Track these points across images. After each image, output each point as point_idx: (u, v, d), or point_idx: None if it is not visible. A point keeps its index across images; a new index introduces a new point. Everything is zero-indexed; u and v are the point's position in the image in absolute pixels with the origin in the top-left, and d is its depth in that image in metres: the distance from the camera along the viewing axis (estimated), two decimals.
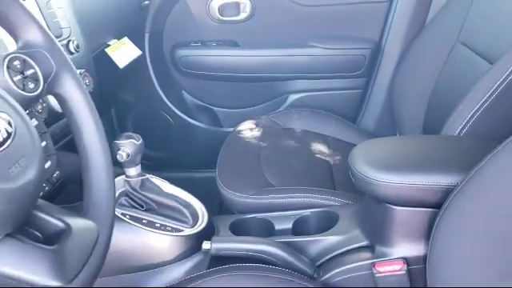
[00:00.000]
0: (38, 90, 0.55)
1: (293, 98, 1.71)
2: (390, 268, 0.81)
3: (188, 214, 0.93)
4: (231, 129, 1.52)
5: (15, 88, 0.52)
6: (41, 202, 0.53)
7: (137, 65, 1.45)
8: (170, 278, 0.87)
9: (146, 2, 1.56)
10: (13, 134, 0.46)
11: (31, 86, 0.54)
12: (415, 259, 0.82)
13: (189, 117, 1.74)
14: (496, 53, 1.05)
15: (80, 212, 0.56)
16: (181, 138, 1.74)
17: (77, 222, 0.53)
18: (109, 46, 1.27)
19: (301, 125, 1.47)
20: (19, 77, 0.53)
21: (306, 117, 1.53)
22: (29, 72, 0.55)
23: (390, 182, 0.78)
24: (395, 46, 1.59)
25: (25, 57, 0.55)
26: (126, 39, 1.37)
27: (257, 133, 1.40)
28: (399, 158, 0.84)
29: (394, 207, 0.80)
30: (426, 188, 0.77)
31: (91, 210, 0.56)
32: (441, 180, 0.76)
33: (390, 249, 0.83)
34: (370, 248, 0.86)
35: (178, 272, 0.88)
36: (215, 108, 1.81)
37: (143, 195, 0.93)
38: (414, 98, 1.38)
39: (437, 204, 0.76)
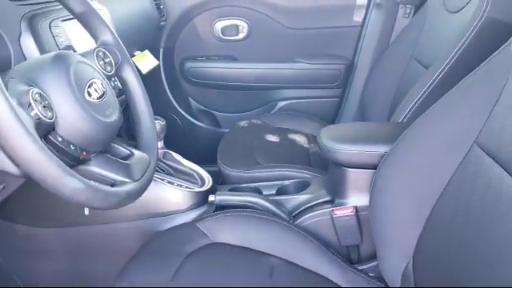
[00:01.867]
0: (112, 72, 0.86)
1: (281, 104, 1.98)
2: (344, 212, 1.10)
3: (198, 178, 1.24)
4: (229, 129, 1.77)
5: (100, 68, 0.83)
6: None
7: (152, 74, 1.70)
8: (183, 221, 1.15)
9: (162, 23, 1.83)
10: (105, 91, 0.77)
11: (108, 68, 0.86)
12: (363, 207, 1.10)
13: (193, 118, 2.00)
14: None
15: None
16: (186, 136, 1.99)
17: (136, 152, 0.84)
18: (134, 55, 1.57)
19: (287, 125, 1.75)
20: (102, 62, 0.85)
21: (291, 119, 1.81)
22: (107, 60, 0.86)
23: (344, 150, 1.07)
24: (365, 62, 1.86)
25: (104, 50, 0.86)
26: (146, 51, 1.66)
27: (251, 129, 1.69)
28: (351, 135, 1.14)
29: (348, 169, 1.10)
30: (368, 154, 1.06)
31: (143, 147, 0.87)
32: (378, 149, 1.04)
33: (345, 200, 1.12)
34: (331, 201, 1.16)
35: (189, 217, 1.16)
36: (215, 112, 2.07)
37: (164, 163, 1.24)
38: (380, 103, 1.62)
39: (376, 166, 1.02)
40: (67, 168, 0.60)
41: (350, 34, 1.88)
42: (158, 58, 1.80)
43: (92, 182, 0.65)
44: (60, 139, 0.67)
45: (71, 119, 0.68)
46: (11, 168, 0.64)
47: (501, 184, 0.70)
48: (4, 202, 1.02)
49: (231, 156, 1.48)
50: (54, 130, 0.67)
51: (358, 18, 1.85)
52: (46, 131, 0.65)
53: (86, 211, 0.91)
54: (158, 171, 1.23)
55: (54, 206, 1.14)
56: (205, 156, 1.83)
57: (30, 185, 0.89)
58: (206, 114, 2.07)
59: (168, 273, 0.93)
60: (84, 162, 0.72)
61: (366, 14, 1.84)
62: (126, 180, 0.76)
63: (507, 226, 0.67)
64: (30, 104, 0.62)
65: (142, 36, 1.66)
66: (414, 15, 1.73)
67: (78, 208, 0.96)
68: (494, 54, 0.86)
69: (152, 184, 1.14)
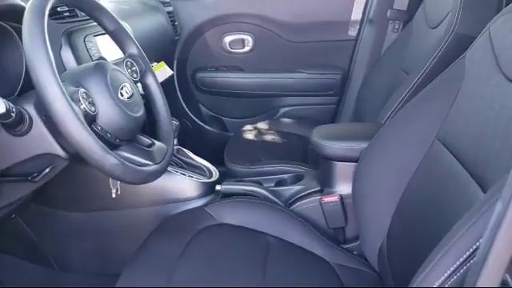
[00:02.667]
0: (138, 78, 1.06)
1: (283, 110, 2.15)
2: (331, 199, 1.27)
3: (206, 171, 1.42)
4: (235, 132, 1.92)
5: (129, 75, 1.03)
6: None
7: (167, 83, 1.89)
8: (193, 206, 1.33)
9: (177, 38, 2.01)
10: (133, 93, 0.97)
11: (135, 75, 1.05)
12: (347, 195, 1.26)
13: (203, 123, 2.17)
14: None
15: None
16: (196, 140, 2.15)
17: (157, 142, 1.03)
18: (152, 66, 1.77)
19: (288, 129, 1.91)
20: (130, 70, 1.04)
21: (292, 124, 1.97)
22: (133, 68, 1.06)
23: (331, 145, 1.25)
24: (359, 72, 2.00)
25: (131, 60, 1.06)
26: (162, 63, 1.85)
27: (254, 132, 1.86)
28: (338, 133, 1.33)
29: (335, 162, 1.27)
30: (352, 149, 1.23)
31: (162, 138, 1.07)
32: (359, 144, 1.21)
33: (332, 189, 1.29)
34: (320, 190, 1.33)
35: (199, 203, 1.33)
36: (223, 117, 2.24)
37: (178, 158, 1.42)
38: (372, 109, 1.71)
39: (358, 159, 1.19)
40: (108, 149, 0.80)
41: (346, 47, 2.04)
42: (172, 69, 1.99)
43: (124, 161, 0.84)
44: (100, 128, 0.86)
45: (108, 113, 0.88)
46: (60, 152, 0.85)
47: (452, 168, 0.87)
48: (44, 190, 1.20)
49: (237, 154, 1.66)
50: (95, 121, 0.86)
51: (352, 32, 2.01)
52: (90, 121, 0.84)
53: (113, 194, 1.10)
54: (172, 165, 1.42)
55: (85, 193, 1.33)
56: (213, 157, 1.99)
57: (66, 175, 1.08)
58: (214, 120, 2.24)
59: (180, 245, 1.10)
60: (117, 147, 0.91)
61: (359, 28, 1.99)
62: (149, 163, 0.95)
63: (456, 203, 0.83)
64: (79, 100, 0.82)
65: (158, 49, 1.84)
66: (402, 30, 1.89)
67: (105, 194, 1.14)
68: (451, 65, 1.03)
69: (167, 175, 1.32)
